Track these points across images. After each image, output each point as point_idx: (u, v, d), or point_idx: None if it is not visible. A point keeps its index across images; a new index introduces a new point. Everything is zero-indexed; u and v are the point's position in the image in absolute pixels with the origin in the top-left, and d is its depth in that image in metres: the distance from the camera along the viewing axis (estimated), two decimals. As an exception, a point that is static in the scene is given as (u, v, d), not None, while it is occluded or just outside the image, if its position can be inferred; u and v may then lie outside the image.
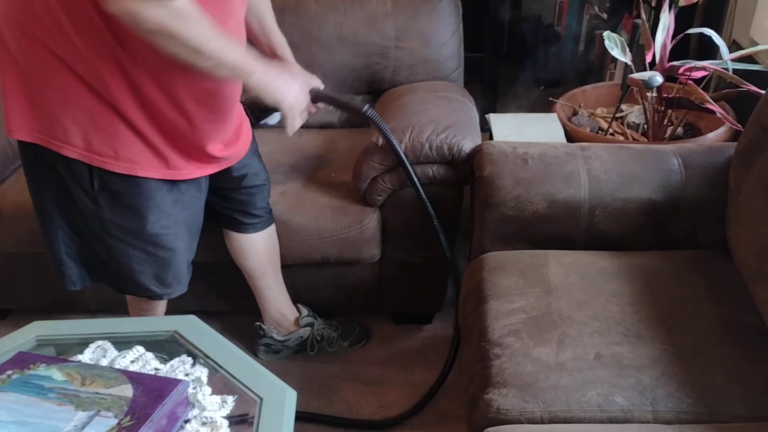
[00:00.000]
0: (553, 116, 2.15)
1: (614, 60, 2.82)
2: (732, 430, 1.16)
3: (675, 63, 1.96)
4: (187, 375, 1.22)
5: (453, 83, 2.23)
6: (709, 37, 1.94)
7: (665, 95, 2.00)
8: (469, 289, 1.57)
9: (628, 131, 2.16)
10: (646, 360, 1.28)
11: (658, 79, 1.89)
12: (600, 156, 1.66)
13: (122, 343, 1.30)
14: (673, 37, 2.00)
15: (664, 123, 2.05)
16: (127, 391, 1.11)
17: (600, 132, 2.16)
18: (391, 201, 1.87)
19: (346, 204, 1.88)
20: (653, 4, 2.48)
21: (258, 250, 1.81)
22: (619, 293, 1.45)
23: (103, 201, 1.43)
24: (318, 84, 1.56)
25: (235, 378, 1.22)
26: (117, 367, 1.22)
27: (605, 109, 2.30)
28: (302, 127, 2.13)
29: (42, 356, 1.21)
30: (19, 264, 2.02)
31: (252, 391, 1.19)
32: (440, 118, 1.86)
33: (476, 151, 1.74)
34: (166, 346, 1.32)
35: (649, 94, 2.04)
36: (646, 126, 2.13)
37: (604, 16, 3.25)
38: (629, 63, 2.06)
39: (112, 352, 1.28)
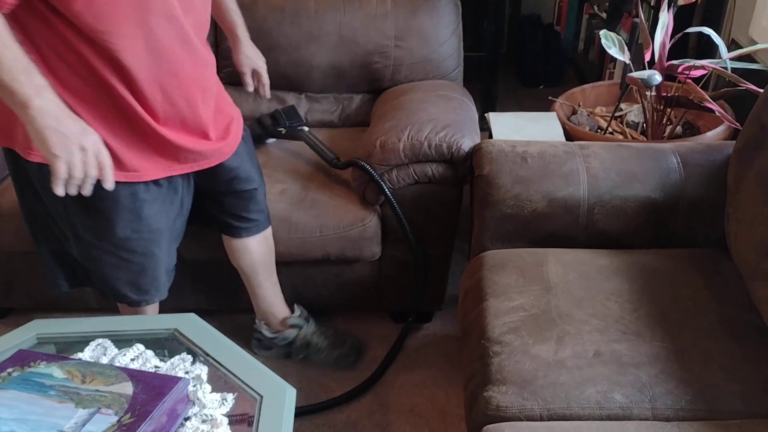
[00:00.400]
0: (553, 115, 2.16)
1: (613, 59, 2.83)
2: (730, 427, 1.16)
3: (674, 62, 1.96)
4: (187, 373, 1.22)
5: (452, 82, 2.23)
6: (708, 36, 1.95)
7: (664, 94, 2.00)
8: (469, 287, 1.57)
9: (627, 130, 2.17)
10: (644, 357, 1.28)
11: (657, 77, 1.89)
12: (599, 154, 1.66)
13: (122, 341, 1.30)
14: (672, 36, 2.00)
15: (663, 122, 2.06)
16: (127, 388, 1.11)
17: (599, 131, 2.16)
18: (391, 200, 1.87)
19: (347, 202, 1.88)
20: (652, 4, 2.49)
21: (251, 252, 1.80)
22: (618, 291, 1.45)
23: (70, 205, 1.40)
24: (92, 138, 1.23)
25: (235, 376, 1.22)
26: (117, 364, 1.23)
27: (604, 108, 2.30)
28: (305, 126, 2.16)
29: (42, 354, 1.21)
30: (20, 262, 2.02)
31: (252, 388, 1.19)
32: (439, 117, 1.87)
33: (476, 150, 1.74)
34: (167, 344, 1.33)
35: (648, 93, 2.04)
36: (645, 125, 2.14)
37: (604, 15, 3.26)
38: (628, 62, 2.06)
39: (113, 350, 1.28)
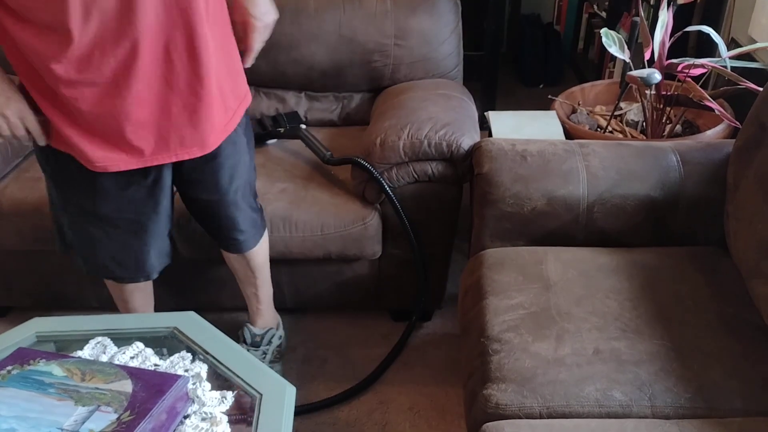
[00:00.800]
0: (552, 114, 2.16)
1: (613, 58, 2.83)
2: (729, 424, 1.16)
3: (674, 60, 1.96)
4: (186, 371, 1.22)
5: (452, 81, 2.23)
6: (708, 35, 1.95)
7: (664, 93, 2.00)
8: (469, 285, 1.57)
9: (626, 129, 2.17)
10: (644, 355, 1.28)
11: (657, 76, 1.89)
12: (599, 153, 1.66)
13: (122, 339, 1.31)
14: (672, 34, 2.00)
15: (663, 120, 2.06)
16: (126, 386, 1.11)
17: (599, 130, 2.16)
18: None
19: (348, 201, 1.88)
20: (652, 2, 2.49)
21: (241, 264, 1.79)
22: (618, 289, 1.45)
23: (57, 178, 1.50)
24: (14, 107, 1.36)
25: (234, 374, 1.22)
26: (117, 362, 1.23)
27: (604, 107, 2.30)
28: (303, 124, 2.16)
29: (42, 352, 1.21)
30: (19, 261, 2.03)
31: (251, 386, 1.19)
32: (439, 116, 1.87)
33: (475, 148, 1.74)
34: (166, 342, 1.33)
35: (647, 92, 2.04)
36: (644, 123, 2.14)
37: (603, 14, 3.26)
38: (628, 60, 2.06)
39: (112, 348, 1.28)
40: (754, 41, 2.03)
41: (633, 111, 2.22)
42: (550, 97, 2.29)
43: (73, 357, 1.22)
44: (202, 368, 1.23)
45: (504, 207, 1.63)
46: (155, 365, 1.24)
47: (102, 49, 1.27)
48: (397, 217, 1.86)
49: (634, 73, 1.93)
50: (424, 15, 2.17)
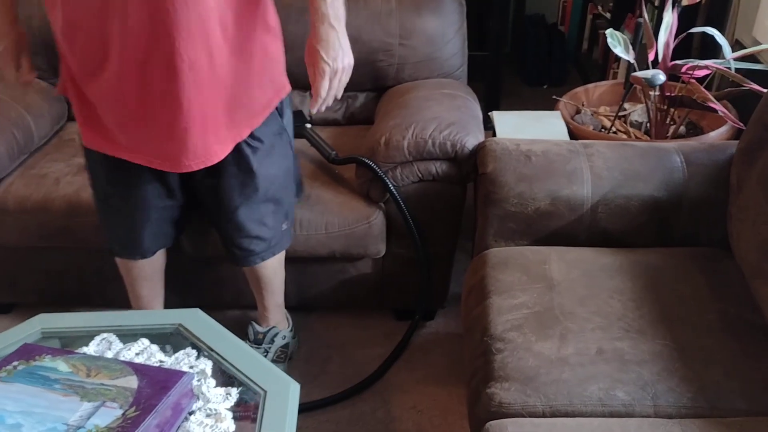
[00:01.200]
0: (557, 114, 2.16)
1: (617, 59, 2.83)
2: (732, 425, 1.17)
3: (678, 62, 1.97)
4: (191, 367, 1.23)
5: (457, 81, 2.23)
6: (712, 36, 1.95)
7: (668, 94, 2.01)
8: (472, 284, 1.58)
9: (630, 129, 2.17)
10: (647, 355, 1.29)
11: (661, 77, 1.90)
12: (603, 153, 1.67)
13: (127, 335, 1.31)
14: (676, 36, 2.00)
15: (667, 121, 2.06)
16: (132, 382, 1.12)
17: (603, 130, 2.16)
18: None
19: (352, 200, 1.89)
20: (656, 4, 2.49)
21: (248, 271, 1.79)
22: (621, 289, 1.46)
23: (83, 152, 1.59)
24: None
25: (239, 371, 1.23)
26: (122, 359, 1.23)
27: (608, 108, 2.30)
28: (308, 123, 2.16)
29: (47, 348, 1.21)
30: (25, 258, 2.03)
31: (256, 383, 1.20)
32: (443, 115, 1.87)
33: (480, 148, 1.74)
34: (171, 339, 1.33)
35: (651, 93, 2.04)
36: (648, 124, 2.14)
37: (608, 15, 3.26)
38: (632, 61, 2.06)
39: (117, 344, 1.29)
40: (758, 43, 2.04)
41: (637, 112, 2.22)
42: (554, 97, 2.30)
43: (78, 353, 1.22)
44: (207, 365, 1.23)
45: (508, 207, 1.64)
46: (160, 362, 1.25)
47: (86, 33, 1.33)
48: (401, 216, 1.86)
49: (639, 74, 1.93)
50: (428, 15, 2.17)
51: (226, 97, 1.40)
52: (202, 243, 1.87)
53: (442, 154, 1.80)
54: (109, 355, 1.26)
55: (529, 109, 2.25)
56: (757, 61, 1.98)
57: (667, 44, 1.98)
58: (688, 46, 2.34)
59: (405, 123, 1.85)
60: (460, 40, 2.24)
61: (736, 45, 2.19)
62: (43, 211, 1.87)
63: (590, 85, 2.37)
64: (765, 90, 1.60)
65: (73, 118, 2.26)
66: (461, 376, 1.86)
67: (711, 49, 2.21)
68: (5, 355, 1.20)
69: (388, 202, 1.89)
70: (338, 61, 1.37)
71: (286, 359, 1.92)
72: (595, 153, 1.67)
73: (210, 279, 2.04)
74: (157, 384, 1.11)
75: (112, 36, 1.29)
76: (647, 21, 2.09)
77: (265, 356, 1.86)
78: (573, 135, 2.06)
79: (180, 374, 1.14)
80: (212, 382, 1.20)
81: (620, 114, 2.22)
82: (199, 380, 1.19)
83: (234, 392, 1.18)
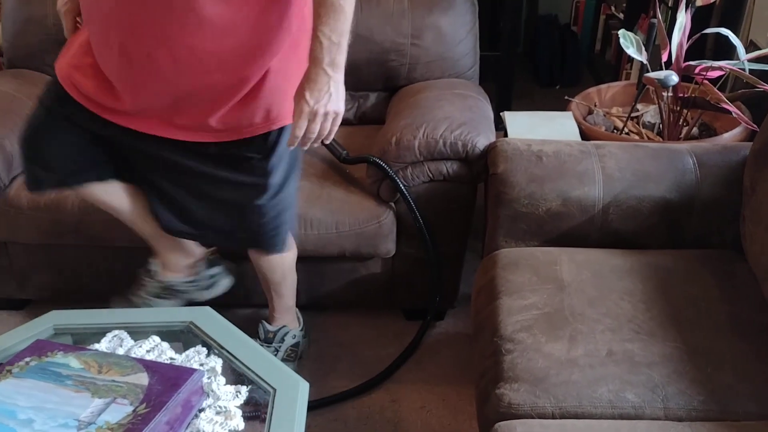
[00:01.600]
0: (568, 115, 2.15)
1: (630, 60, 2.82)
2: (743, 428, 1.16)
3: (691, 63, 1.96)
4: (202, 365, 1.23)
5: (468, 81, 2.23)
6: (726, 37, 1.94)
7: (681, 95, 2.00)
8: (482, 285, 1.58)
9: (643, 131, 2.16)
10: (657, 357, 1.28)
11: (674, 78, 1.89)
12: (615, 154, 1.66)
13: (138, 333, 1.32)
14: (690, 36, 1.99)
15: (680, 123, 2.05)
16: (142, 379, 1.13)
17: (615, 131, 2.15)
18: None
19: (363, 199, 1.89)
20: (670, 4, 2.48)
21: (259, 269, 1.76)
22: (632, 291, 1.45)
23: None
24: None
25: (249, 369, 1.23)
26: (133, 356, 1.24)
27: (620, 109, 2.30)
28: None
29: (59, 344, 1.22)
30: (38, 255, 2.05)
31: (266, 382, 1.20)
32: (455, 115, 1.87)
33: (491, 148, 1.74)
34: (182, 337, 1.34)
35: (664, 94, 2.04)
36: (661, 126, 2.13)
37: (621, 15, 3.25)
38: (645, 62, 2.05)
39: (129, 341, 1.30)
40: (772, 44, 2.02)
41: (650, 113, 2.21)
42: (566, 98, 2.29)
43: (90, 350, 1.23)
44: (217, 363, 1.24)
45: (518, 207, 1.63)
46: (171, 359, 1.26)
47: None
48: (412, 216, 1.86)
49: (652, 74, 1.92)
50: (441, 14, 2.17)
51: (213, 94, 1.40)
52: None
53: (453, 154, 1.80)
54: (121, 351, 1.27)
55: (541, 109, 2.24)
56: (772, 63, 1.97)
57: (680, 45, 1.97)
58: (702, 47, 2.32)
59: (416, 123, 1.85)
60: (472, 40, 2.23)
61: (750, 46, 2.18)
62: (57, 208, 1.88)
63: (603, 86, 2.36)
64: (779, 91, 1.59)
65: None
66: (470, 376, 1.86)
67: (725, 50, 2.20)
68: (18, 351, 1.21)
69: (398, 202, 1.89)
70: (321, 104, 1.32)
71: (296, 358, 1.93)
72: (606, 154, 1.66)
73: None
74: (167, 381, 1.12)
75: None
76: (661, 21, 2.08)
77: (275, 355, 1.87)
78: (585, 136, 2.05)
79: (190, 372, 1.14)
80: (222, 379, 1.20)
81: (633, 115, 2.21)
82: (209, 378, 1.20)
83: (244, 390, 1.19)
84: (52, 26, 2.13)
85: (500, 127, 2.14)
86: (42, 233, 1.94)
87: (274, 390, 1.18)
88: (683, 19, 1.98)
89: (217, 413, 1.14)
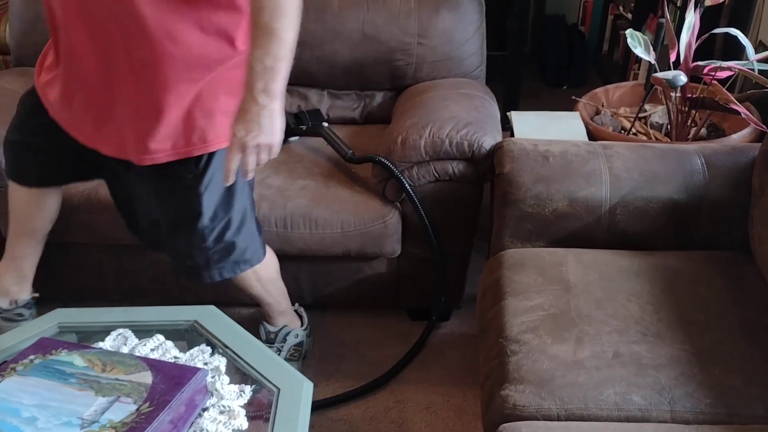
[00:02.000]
0: (576, 115, 2.14)
1: (638, 60, 2.81)
2: (750, 431, 1.15)
3: (700, 63, 1.94)
4: (205, 364, 1.23)
5: (475, 81, 2.22)
6: (735, 38, 1.93)
7: (689, 95, 1.98)
8: (488, 285, 1.57)
9: (651, 131, 2.15)
10: (664, 359, 1.27)
11: (682, 78, 1.88)
12: (622, 155, 1.65)
13: (143, 331, 1.32)
14: (699, 36, 1.98)
15: (688, 123, 2.04)
16: (146, 377, 1.13)
17: (622, 131, 2.14)
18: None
19: (368, 199, 1.88)
20: (678, 4, 2.47)
21: (237, 285, 1.74)
22: (639, 292, 1.44)
23: None
24: None
25: (253, 368, 1.23)
26: (137, 354, 1.24)
27: (628, 109, 2.28)
28: (325, 122, 2.15)
29: (64, 342, 1.22)
30: (43, 252, 2.04)
31: (269, 381, 1.20)
32: (461, 115, 1.86)
33: (497, 148, 1.73)
34: (186, 336, 1.34)
35: (672, 94, 2.02)
36: (669, 126, 2.12)
37: (629, 16, 3.23)
38: (653, 62, 2.04)
39: (133, 340, 1.30)
40: (782, 44, 2.01)
41: (658, 113, 2.20)
42: (573, 98, 2.28)
43: (94, 348, 1.23)
44: (221, 362, 1.24)
45: (525, 207, 1.63)
46: (175, 358, 1.26)
47: None
48: (417, 215, 1.85)
49: (660, 75, 1.91)
50: (447, 14, 2.17)
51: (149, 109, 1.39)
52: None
53: (459, 154, 1.80)
54: (125, 350, 1.27)
55: (548, 109, 2.23)
56: (781, 63, 1.95)
57: (689, 45, 1.96)
58: (711, 47, 2.31)
59: (422, 122, 1.84)
60: (479, 40, 2.22)
61: (759, 46, 2.17)
62: (62, 206, 1.88)
63: (610, 86, 2.34)
64: (788, 92, 1.58)
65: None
66: (475, 377, 1.85)
67: (734, 51, 2.18)
68: (22, 348, 1.21)
69: (404, 202, 1.88)
70: (250, 137, 1.24)
71: (300, 357, 1.92)
72: (614, 154, 1.65)
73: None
74: (171, 380, 1.12)
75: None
76: (669, 21, 2.07)
77: (278, 355, 1.86)
78: (592, 136, 2.04)
79: (194, 371, 1.14)
80: (226, 379, 1.20)
81: (640, 115, 2.20)
82: (213, 377, 1.20)
83: (247, 389, 1.19)
84: (42, 31, 2.14)
85: (507, 127, 2.13)
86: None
87: (278, 389, 1.17)
88: (692, 18, 1.97)
89: (221, 412, 1.14)
